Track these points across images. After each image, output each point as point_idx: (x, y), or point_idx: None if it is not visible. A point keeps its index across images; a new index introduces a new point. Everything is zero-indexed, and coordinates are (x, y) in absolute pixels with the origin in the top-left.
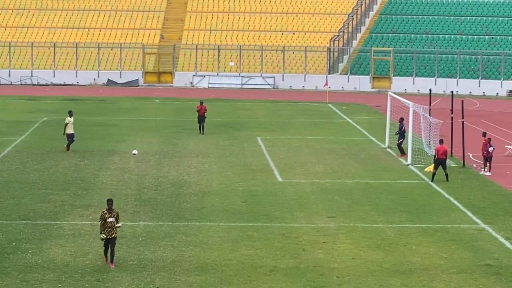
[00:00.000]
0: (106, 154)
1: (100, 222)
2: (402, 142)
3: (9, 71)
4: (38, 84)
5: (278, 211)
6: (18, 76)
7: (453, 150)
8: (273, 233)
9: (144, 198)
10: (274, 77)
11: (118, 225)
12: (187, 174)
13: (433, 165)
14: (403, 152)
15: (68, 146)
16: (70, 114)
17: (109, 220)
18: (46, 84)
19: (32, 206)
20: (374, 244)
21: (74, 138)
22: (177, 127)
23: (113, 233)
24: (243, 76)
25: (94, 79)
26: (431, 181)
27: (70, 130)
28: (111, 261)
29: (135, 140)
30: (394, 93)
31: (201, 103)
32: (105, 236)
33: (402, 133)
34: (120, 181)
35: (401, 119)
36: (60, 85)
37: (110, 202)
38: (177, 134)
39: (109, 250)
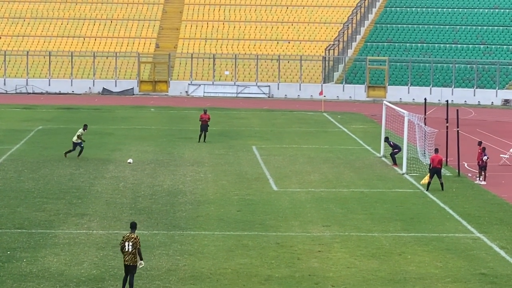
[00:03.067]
0: (101, 162)
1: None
2: (397, 152)
3: (4, 79)
4: (33, 93)
5: (273, 220)
6: (13, 85)
7: (448, 159)
8: (268, 242)
9: (139, 207)
10: (269, 86)
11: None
12: (182, 183)
13: (428, 176)
14: (395, 162)
15: (67, 152)
16: (85, 127)
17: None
18: (41, 93)
19: (27, 215)
20: (369, 253)
21: (75, 148)
22: (172, 136)
23: (134, 260)
24: (238, 85)
25: (90, 87)
26: (426, 190)
27: (76, 139)
28: None
29: (130, 149)
30: (389, 102)
31: (205, 111)
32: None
33: (396, 146)
34: (115, 189)
35: (386, 138)
36: (56, 93)
37: (134, 226)
38: (172, 143)
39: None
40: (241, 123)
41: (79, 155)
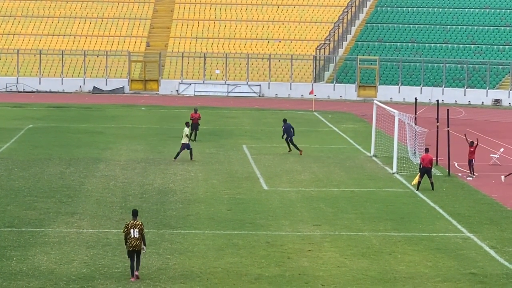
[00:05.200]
0: (92, 161)
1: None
2: (288, 138)
3: None
4: (23, 91)
5: (264, 219)
6: (3, 83)
7: (438, 159)
8: (258, 241)
9: (129, 205)
10: (260, 85)
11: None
12: (172, 182)
13: (418, 175)
14: (291, 146)
15: (178, 154)
16: (187, 124)
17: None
18: (32, 91)
19: (17, 213)
20: (359, 253)
21: (190, 147)
22: (162, 135)
23: (140, 245)
24: (229, 84)
25: (80, 86)
26: (416, 190)
27: (184, 140)
28: (137, 269)
29: (121, 147)
30: (380, 101)
31: (195, 110)
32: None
33: (287, 131)
34: (106, 188)
35: (284, 120)
36: (46, 92)
37: (136, 213)
38: (163, 141)
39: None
40: (232, 122)
41: (191, 157)
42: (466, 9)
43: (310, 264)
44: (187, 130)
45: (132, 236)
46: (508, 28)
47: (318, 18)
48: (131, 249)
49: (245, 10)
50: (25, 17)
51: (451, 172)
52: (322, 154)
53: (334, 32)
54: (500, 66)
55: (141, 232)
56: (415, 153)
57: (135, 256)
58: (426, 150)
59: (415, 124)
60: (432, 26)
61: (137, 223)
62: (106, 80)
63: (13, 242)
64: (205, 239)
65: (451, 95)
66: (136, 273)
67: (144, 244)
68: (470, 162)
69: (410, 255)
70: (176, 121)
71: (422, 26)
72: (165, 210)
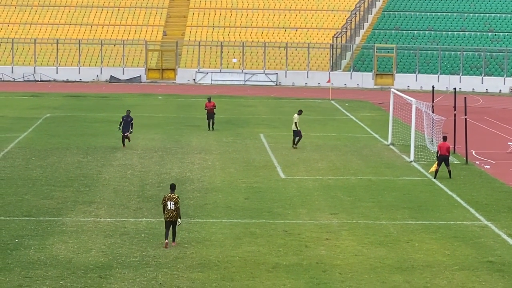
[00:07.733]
0: (109, 150)
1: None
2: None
3: (12, 67)
4: (40, 81)
5: (281, 207)
6: (21, 73)
7: (456, 147)
8: (275, 230)
9: (147, 194)
10: (277, 73)
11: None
12: (189, 171)
13: (436, 163)
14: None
15: (296, 142)
16: (299, 112)
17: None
18: (49, 81)
19: (35, 203)
20: (376, 241)
21: (300, 134)
22: (179, 124)
23: (176, 216)
24: (245, 73)
25: (97, 75)
26: (434, 178)
27: (295, 127)
28: (173, 240)
29: (138, 136)
30: (397, 90)
31: (209, 99)
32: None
33: (129, 124)
34: (123, 177)
35: (128, 111)
36: (63, 81)
37: (173, 187)
38: (180, 130)
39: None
40: (249, 111)
41: (296, 144)
42: None
43: (328, 252)
44: (296, 117)
45: (169, 208)
46: None
47: (335, 6)
48: (168, 219)
49: None
50: (42, 6)
51: (469, 160)
52: (339, 143)
53: (351, 20)
54: None
55: (176, 204)
56: (432, 141)
57: (171, 227)
58: (444, 138)
59: (433, 112)
60: (449, 13)
61: (173, 196)
62: (123, 69)
63: (31, 231)
64: (223, 228)
65: (469, 83)
66: (173, 243)
67: (179, 217)
68: None
69: (427, 243)
70: (193, 109)
71: (439, 14)
72: (182, 199)
